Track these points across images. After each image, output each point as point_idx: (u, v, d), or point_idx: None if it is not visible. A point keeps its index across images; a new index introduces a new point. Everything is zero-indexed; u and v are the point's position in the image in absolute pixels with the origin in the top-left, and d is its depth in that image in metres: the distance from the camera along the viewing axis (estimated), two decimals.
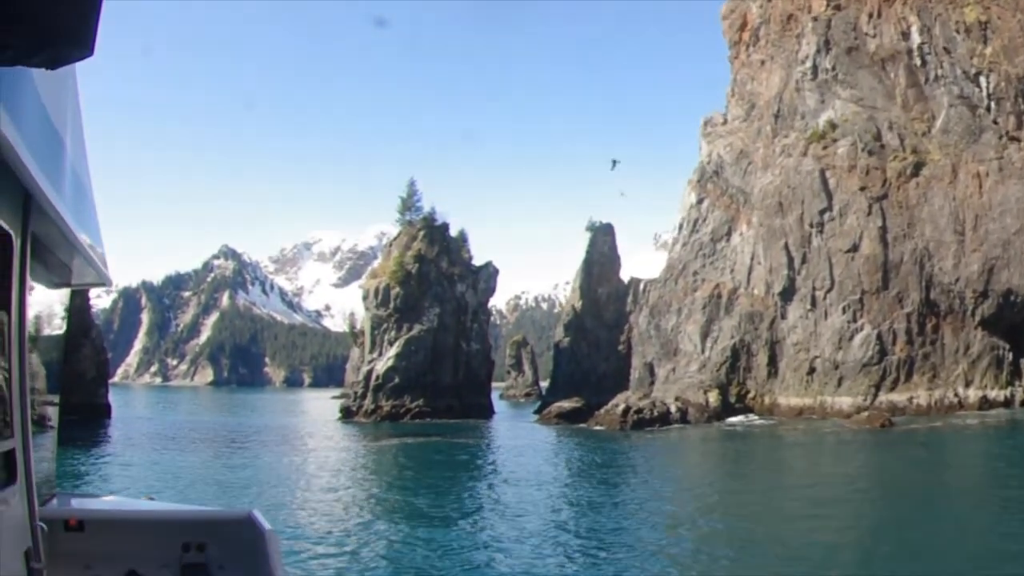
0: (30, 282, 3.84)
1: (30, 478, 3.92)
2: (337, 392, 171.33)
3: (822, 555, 21.54)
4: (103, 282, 5.46)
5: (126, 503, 7.13)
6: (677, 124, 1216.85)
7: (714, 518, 28.09)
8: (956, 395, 72.80)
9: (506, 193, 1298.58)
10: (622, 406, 72.97)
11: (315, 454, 53.05)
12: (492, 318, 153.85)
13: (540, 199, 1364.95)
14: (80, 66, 3.59)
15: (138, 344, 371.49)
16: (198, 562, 5.48)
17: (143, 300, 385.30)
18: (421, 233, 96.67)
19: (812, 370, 77.56)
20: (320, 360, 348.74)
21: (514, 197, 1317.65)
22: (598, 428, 71.33)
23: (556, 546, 23.55)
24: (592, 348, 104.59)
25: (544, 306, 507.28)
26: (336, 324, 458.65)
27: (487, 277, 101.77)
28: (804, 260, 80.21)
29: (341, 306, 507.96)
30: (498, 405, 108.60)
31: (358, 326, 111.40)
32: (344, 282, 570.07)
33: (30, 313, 3.90)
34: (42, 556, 4.05)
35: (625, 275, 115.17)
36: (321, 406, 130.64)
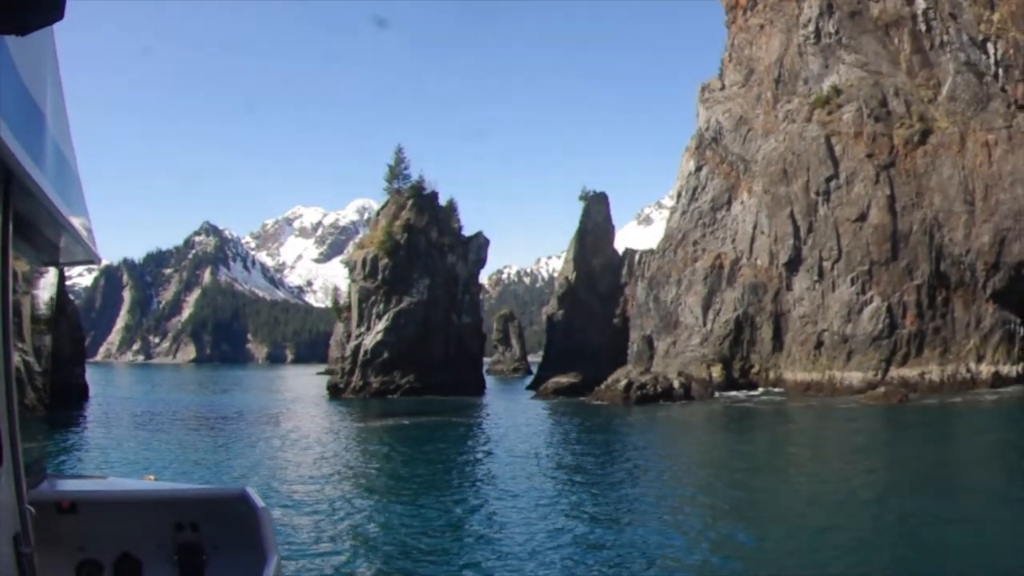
0: (14, 260, 3.76)
1: (17, 460, 3.76)
2: (321, 368, 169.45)
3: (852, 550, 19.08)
4: (91, 259, 5.21)
5: (119, 483, 6.82)
6: (664, 97, 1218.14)
7: (746, 505, 25.69)
8: (968, 370, 70.62)
9: (486, 169, 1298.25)
10: (624, 381, 70.56)
11: (305, 433, 50.43)
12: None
13: (522, 173, 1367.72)
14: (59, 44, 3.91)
15: (120, 322, 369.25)
16: (193, 541, 5.39)
17: (124, 278, 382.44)
18: (410, 202, 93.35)
19: (820, 344, 75.14)
20: (303, 336, 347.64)
21: (494, 172, 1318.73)
22: (598, 403, 69.05)
23: (565, 528, 22.02)
24: (587, 321, 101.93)
25: (527, 280, 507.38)
26: (318, 300, 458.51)
27: (477, 248, 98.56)
28: (810, 229, 77.68)
29: (323, 282, 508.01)
30: (487, 380, 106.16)
31: (342, 301, 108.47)
32: (326, 257, 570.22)
33: (15, 291, 3.84)
34: (31, 540, 3.85)
35: None
36: (307, 382, 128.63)
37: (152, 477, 8.05)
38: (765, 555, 19.00)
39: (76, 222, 4.37)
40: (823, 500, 25.76)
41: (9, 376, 3.63)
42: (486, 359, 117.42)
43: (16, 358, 3.74)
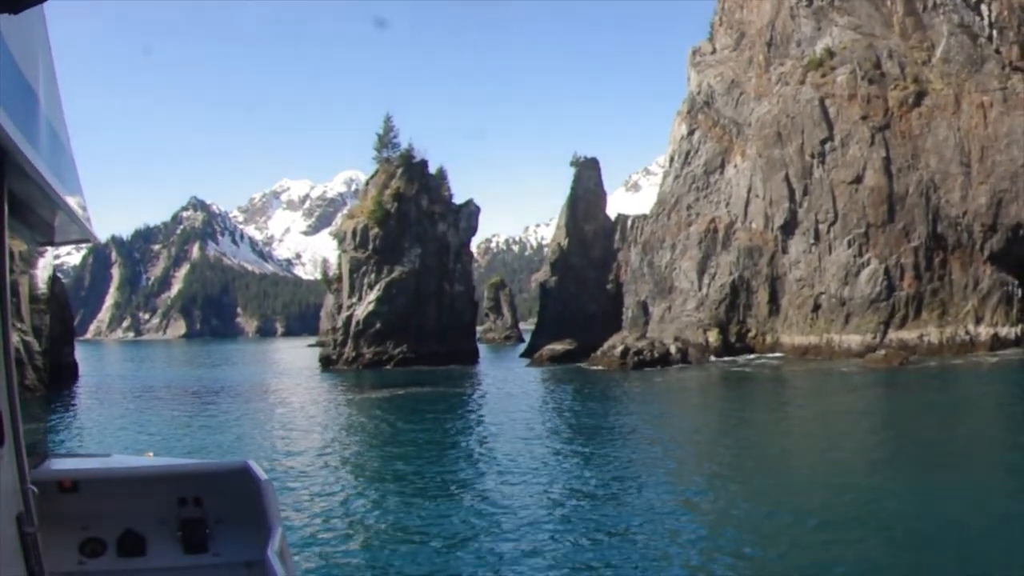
0: (11, 240, 3.75)
1: (19, 440, 3.78)
2: (312, 340, 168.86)
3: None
4: (87, 238, 5.11)
5: (121, 461, 6.76)
6: (648, 66, 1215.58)
7: (748, 472, 25.35)
8: (967, 332, 70.32)
9: (472, 137, 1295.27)
10: (620, 347, 70.39)
11: (299, 406, 50.09)
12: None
13: (508, 141, 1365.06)
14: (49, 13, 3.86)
15: (109, 300, 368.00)
16: (196, 516, 5.36)
17: (113, 255, 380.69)
18: (399, 171, 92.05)
19: (817, 307, 74.78)
20: (292, 309, 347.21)
21: (479, 141, 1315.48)
22: (595, 369, 68.92)
23: (566, 498, 21.99)
24: (580, 287, 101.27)
25: (516, 249, 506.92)
26: (307, 272, 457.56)
27: (468, 215, 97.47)
28: (806, 192, 77.11)
29: (312, 254, 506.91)
30: (479, 349, 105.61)
31: (332, 272, 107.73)
32: (314, 230, 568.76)
33: (12, 271, 3.89)
34: (35, 519, 3.85)
35: None
36: (298, 355, 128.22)
37: (150, 454, 7.92)
38: (769, 524, 18.68)
39: (71, 201, 4.36)
40: (828, 467, 25.44)
41: (8, 356, 3.65)
42: (477, 328, 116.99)
43: (16, 338, 3.76)
